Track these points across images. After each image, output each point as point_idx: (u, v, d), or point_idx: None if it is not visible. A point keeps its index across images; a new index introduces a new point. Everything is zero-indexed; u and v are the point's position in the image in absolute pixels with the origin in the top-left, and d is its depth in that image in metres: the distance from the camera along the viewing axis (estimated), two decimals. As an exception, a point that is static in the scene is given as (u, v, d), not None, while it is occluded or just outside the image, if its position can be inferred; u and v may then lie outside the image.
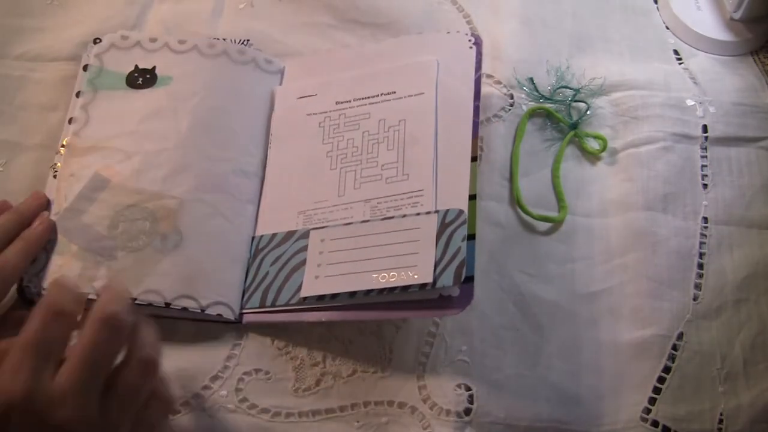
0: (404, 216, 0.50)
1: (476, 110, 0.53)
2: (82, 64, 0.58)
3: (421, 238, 0.48)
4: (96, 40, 0.58)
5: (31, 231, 0.50)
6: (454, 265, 0.46)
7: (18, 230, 0.49)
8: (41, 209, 0.51)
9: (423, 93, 0.55)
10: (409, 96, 0.55)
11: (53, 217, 0.51)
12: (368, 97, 0.56)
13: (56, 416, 0.37)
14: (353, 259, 0.49)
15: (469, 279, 0.46)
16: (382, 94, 0.56)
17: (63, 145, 0.54)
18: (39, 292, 0.49)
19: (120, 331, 0.39)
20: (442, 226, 0.48)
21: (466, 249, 0.46)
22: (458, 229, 0.47)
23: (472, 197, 0.49)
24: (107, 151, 0.54)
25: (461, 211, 0.48)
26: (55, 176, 0.53)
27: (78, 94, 0.56)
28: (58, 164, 0.54)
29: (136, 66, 0.57)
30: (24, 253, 0.48)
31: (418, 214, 0.49)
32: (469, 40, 0.57)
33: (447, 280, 0.45)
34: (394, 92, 0.56)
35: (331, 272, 0.49)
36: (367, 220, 0.50)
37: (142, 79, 0.57)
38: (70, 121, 0.55)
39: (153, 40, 0.58)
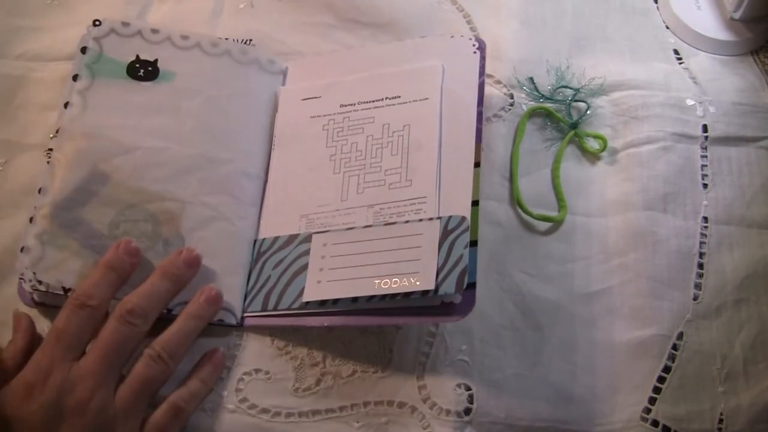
0: (407, 222, 0.49)
1: (479, 116, 0.53)
2: (80, 46, 0.56)
3: (424, 245, 0.47)
4: (95, 22, 0.56)
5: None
6: (456, 272, 0.46)
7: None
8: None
9: (428, 98, 0.55)
10: (413, 101, 0.55)
11: (45, 209, 0.49)
12: (373, 101, 0.56)
13: (73, 396, 0.42)
14: (355, 264, 0.49)
15: (471, 286, 0.46)
16: (386, 98, 0.56)
17: (58, 130, 0.53)
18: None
19: (139, 327, 0.46)
20: (445, 233, 0.47)
21: (469, 256, 0.46)
22: (460, 237, 0.47)
23: (475, 203, 0.49)
24: (105, 141, 0.52)
25: (464, 218, 0.48)
26: (48, 162, 0.52)
27: (75, 78, 0.55)
28: (51, 150, 0.52)
29: (138, 56, 0.56)
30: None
31: (420, 220, 0.49)
32: (473, 45, 0.56)
33: (449, 287, 0.45)
34: (399, 96, 0.56)
35: (333, 277, 0.49)
36: (370, 225, 0.50)
37: (144, 71, 0.55)
38: (66, 105, 0.54)
39: (155, 31, 0.57)
